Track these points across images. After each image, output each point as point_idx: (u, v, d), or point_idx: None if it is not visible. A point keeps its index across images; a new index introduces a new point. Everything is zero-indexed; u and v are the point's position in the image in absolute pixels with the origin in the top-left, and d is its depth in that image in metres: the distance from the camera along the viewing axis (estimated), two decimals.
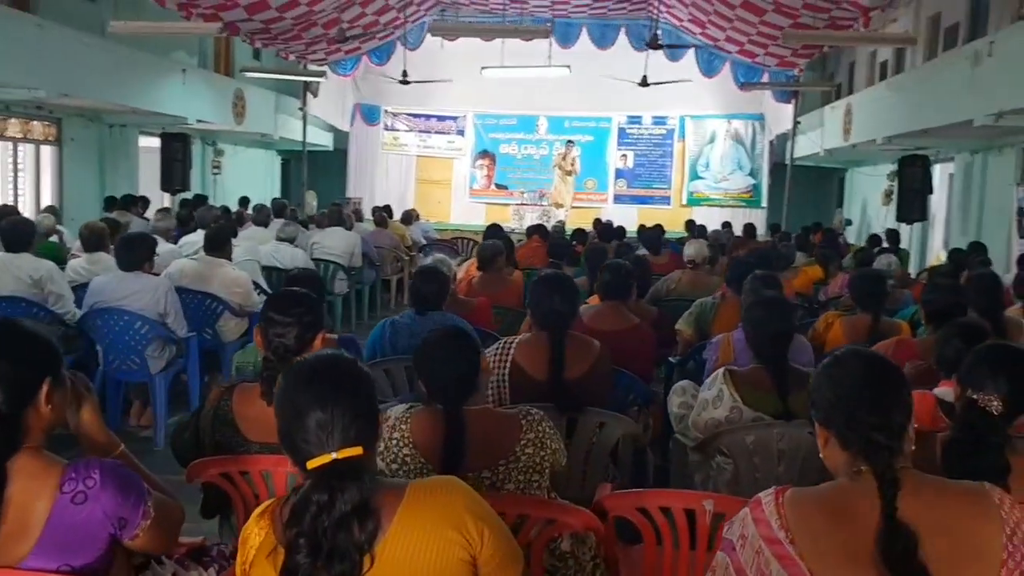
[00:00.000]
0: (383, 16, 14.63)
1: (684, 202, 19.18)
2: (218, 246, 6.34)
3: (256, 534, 1.71)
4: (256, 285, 6.70)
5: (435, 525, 1.67)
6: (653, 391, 4.28)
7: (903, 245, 12.73)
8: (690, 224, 13.52)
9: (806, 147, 16.35)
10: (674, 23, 15.55)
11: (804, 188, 18.76)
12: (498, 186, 19.67)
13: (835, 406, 1.83)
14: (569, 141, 17.61)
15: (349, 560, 1.60)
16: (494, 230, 8.66)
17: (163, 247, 7.16)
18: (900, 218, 12.86)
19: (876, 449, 1.73)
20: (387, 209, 13.03)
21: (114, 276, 5.40)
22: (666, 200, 19.35)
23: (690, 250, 7.07)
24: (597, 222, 12.99)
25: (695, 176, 19.21)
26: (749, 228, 12.44)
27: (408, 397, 3.96)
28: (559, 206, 16.88)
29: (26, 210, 11.44)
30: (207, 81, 14.59)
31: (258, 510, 1.77)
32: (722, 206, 18.95)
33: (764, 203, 18.81)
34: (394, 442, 2.43)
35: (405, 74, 14.52)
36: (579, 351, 3.41)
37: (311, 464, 1.65)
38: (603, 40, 16.28)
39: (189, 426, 2.77)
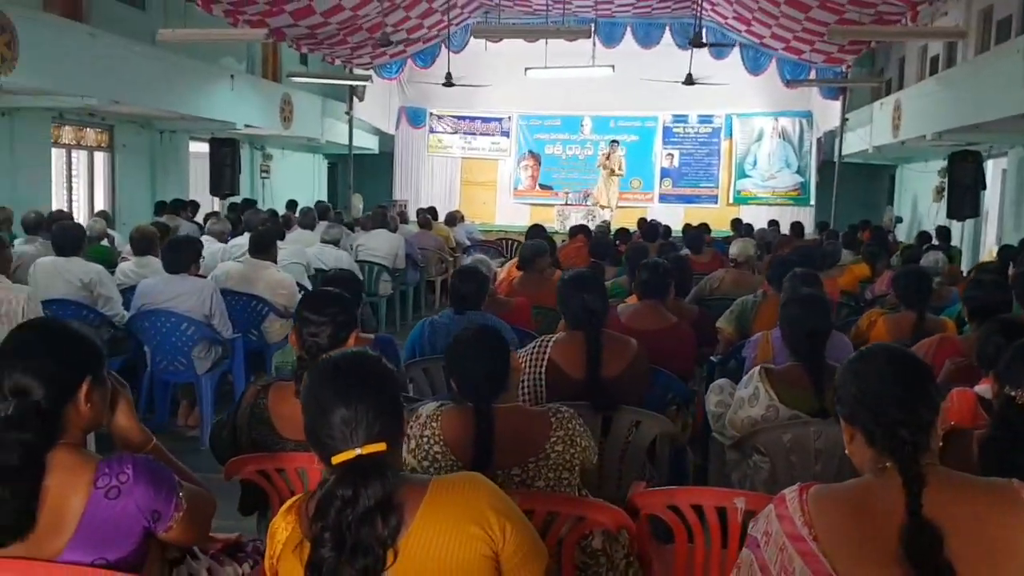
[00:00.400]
0: (427, 19, 14.72)
1: (731, 201, 19.00)
2: (263, 249, 6.43)
3: (283, 528, 1.74)
4: (301, 287, 6.79)
5: (457, 520, 1.69)
6: (693, 390, 4.26)
7: (955, 242, 12.52)
8: (736, 223, 13.39)
9: (855, 144, 16.11)
10: (719, 21, 15.42)
11: (853, 185, 18.51)
12: (542, 187, 19.66)
13: (860, 402, 1.81)
14: (614, 141, 17.51)
15: (372, 554, 1.62)
16: (536, 230, 8.65)
17: (212, 248, 7.31)
18: (951, 215, 12.61)
19: (901, 445, 1.71)
20: (431, 211, 13.11)
21: (161, 278, 5.50)
22: (713, 199, 19.20)
23: (735, 249, 7.01)
24: (642, 221, 12.91)
25: (742, 174, 19.03)
26: (795, 226, 12.28)
27: (446, 396, 4.00)
28: (603, 207, 16.81)
29: (80, 215, 11.74)
30: (255, 86, 14.82)
31: (286, 505, 1.80)
32: (770, 204, 18.73)
33: (812, 201, 18.59)
34: (425, 439, 2.45)
35: (449, 76, 14.58)
36: (615, 350, 3.41)
37: (336, 459, 1.68)
38: (647, 39, 16.20)
39: (227, 424, 2.82)
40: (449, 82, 14.40)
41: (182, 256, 5.42)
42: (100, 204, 12.74)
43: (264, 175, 17.43)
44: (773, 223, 13.94)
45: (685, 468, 4.00)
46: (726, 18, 14.85)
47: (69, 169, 12.28)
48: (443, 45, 16.05)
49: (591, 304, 3.40)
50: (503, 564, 1.73)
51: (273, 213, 11.18)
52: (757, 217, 16.69)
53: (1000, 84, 9.67)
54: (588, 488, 2.66)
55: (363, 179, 20.33)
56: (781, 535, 1.71)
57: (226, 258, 7.32)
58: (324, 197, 19.94)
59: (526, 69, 14.69)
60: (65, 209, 11.75)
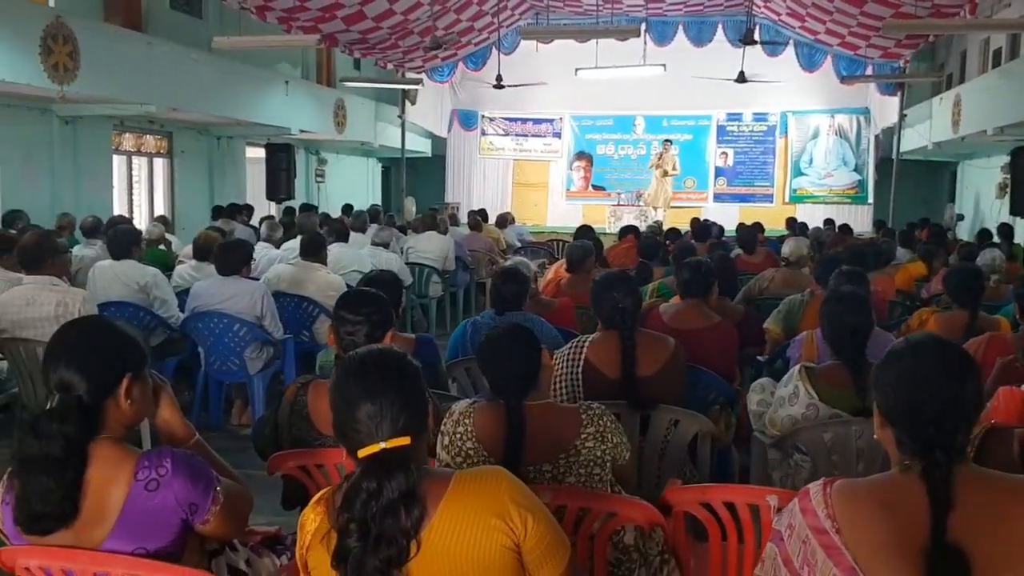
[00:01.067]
0: (478, 22, 14.79)
1: (787, 200, 18.77)
2: (313, 251, 6.54)
3: (312, 519, 1.79)
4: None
5: (479, 512, 1.72)
6: (736, 390, 4.22)
7: (1018, 240, 12.20)
8: (791, 222, 13.24)
9: (914, 141, 15.79)
10: (772, 18, 15.24)
11: (914, 183, 18.17)
12: (595, 187, 19.63)
13: (893, 394, 1.79)
14: (667, 141, 17.43)
15: (396, 545, 1.66)
16: (584, 231, 8.66)
17: (264, 253, 7.46)
18: (1014, 211, 12.31)
19: (928, 446, 1.68)
20: (482, 213, 13.18)
21: (214, 281, 5.63)
22: (768, 198, 18.98)
23: (787, 248, 6.93)
24: (694, 221, 12.84)
25: (798, 173, 18.78)
26: (843, 227, 12.11)
27: (487, 395, 4.03)
28: (656, 207, 16.73)
29: (140, 220, 12.03)
30: (309, 92, 15.05)
31: (316, 497, 1.84)
32: (826, 203, 18.46)
33: (870, 199, 18.27)
34: (458, 436, 2.49)
35: (499, 78, 14.66)
36: (651, 348, 3.41)
37: (361, 453, 1.72)
38: (700, 38, 16.07)
39: (268, 421, 2.88)
40: (499, 84, 14.46)
41: (234, 259, 5.54)
42: (160, 209, 13.05)
43: (319, 179, 17.68)
44: (828, 222, 13.74)
45: (729, 468, 3.98)
46: (779, 15, 14.67)
47: (130, 175, 12.59)
48: (494, 47, 16.14)
49: (622, 303, 3.40)
50: (525, 556, 1.75)
51: (326, 216, 11.33)
52: (813, 216, 16.48)
53: None
54: (627, 486, 2.67)
55: (416, 182, 20.52)
56: (804, 528, 1.71)
57: (280, 261, 7.46)
58: (378, 200, 20.18)
59: (576, 70, 14.67)
60: (126, 214, 12.10)
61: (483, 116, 19.94)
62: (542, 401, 2.52)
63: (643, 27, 14.25)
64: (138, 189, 12.83)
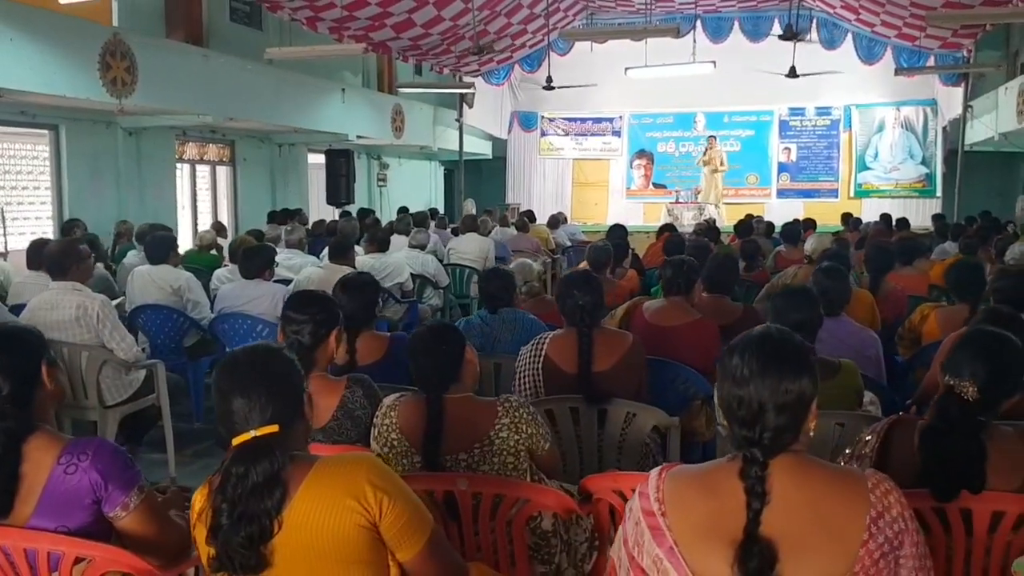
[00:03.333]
0: (530, 24, 14.95)
1: (852, 194, 18.45)
2: (341, 253, 6.77)
3: (199, 500, 1.97)
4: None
5: (334, 494, 1.87)
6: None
7: None
8: (846, 217, 13.03)
9: (981, 132, 15.35)
10: (827, 11, 15.02)
11: (988, 174, 17.64)
12: (656, 185, 19.59)
13: (717, 389, 1.88)
14: (711, 137, 17.35)
15: (258, 523, 1.83)
16: (616, 230, 8.73)
17: (292, 258, 7.74)
18: None
19: (746, 443, 1.77)
20: (528, 214, 13.30)
21: (238, 284, 5.91)
22: (833, 193, 18.67)
23: (808, 244, 6.92)
24: (747, 217, 12.79)
25: (863, 167, 18.44)
26: (903, 220, 11.87)
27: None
28: (708, 203, 16.66)
29: (205, 227, 12.50)
30: (367, 99, 15.41)
31: (206, 480, 2.02)
32: (893, 197, 18.10)
33: (939, 192, 17.80)
34: (385, 427, 2.65)
35: (549, 80, 14.80)
36: (608, 344, 3.51)
37: (235, 441, 1.90)
38: (756, 32, 15.95)
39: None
40: (549, 85, 14.60)
41: (256, 262, 5.81)
42: (223, 216, 13.55)
43: (381, 183, 18.06)
44: (885, 216, 13.47)
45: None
46: (835, 8, 14.46)
47: (193, 183, 13.10)
48: (549, 48, 16.27)
49: (581, 300, 3.51)
50: (383, 534, 1.90)
51: (375, 221, 11.64)
52: (880, 210, 16.10)
53: None
54: (552, 474, 2.79)
55: (478, 184, 20.80)
56: (638, 510, 1.82)
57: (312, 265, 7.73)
58: (440, 203, 20.52)
59: (626, 69, 14.68)
60: (191, 222, 12.62)
61: (543, 117, 20.10)
62: (462, 394, 2.66)
63: (696, 24, 14.26)
64: (201, 197, 13.32)
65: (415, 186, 19.60)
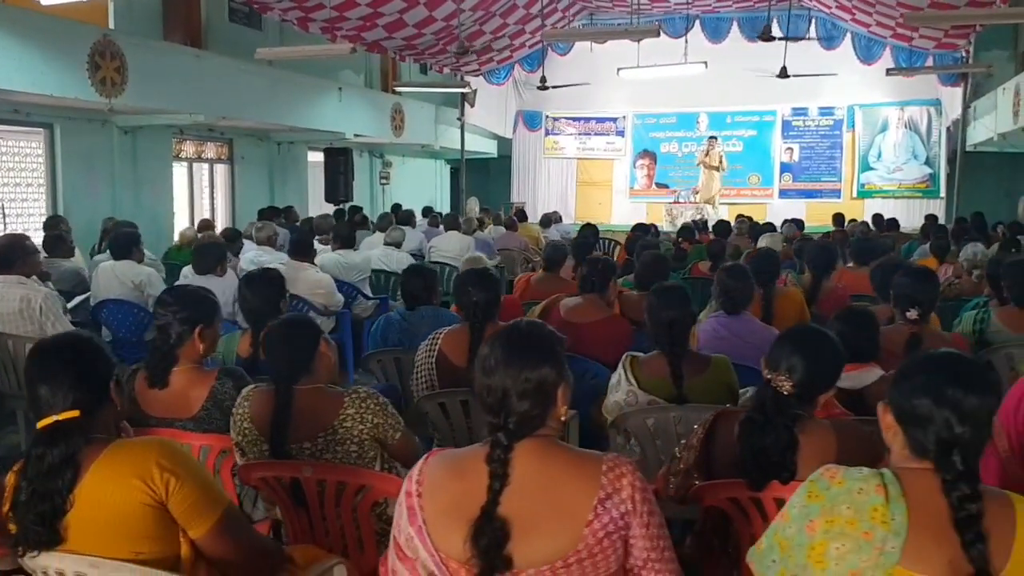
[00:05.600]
0: (528, 25, 15.03)
1: (855, 195, 18.36)
2: (302, 251, 6.90)
3: (10, 479, 2.10)
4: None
5: (121, 475, 2.00)
6: None
7: None
8: (836, 217, 13.01)
9: (982, 132, 15.25)
10: (824, 11, 14.99)
11: (994, 175, 17.52)
12: (659, 185, 19.59)
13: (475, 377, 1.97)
14: (711, 137, 17.35)
15: (50, 502, 1.96)
16: (587, 229, 8.82)
17: (262, 255, 7.88)
18: None
19: (491, 427, 1.87)
20: (518, 213, 13.39)
21: (191, 279, 6.05)
22: (836, 193, 18.58)
23: (762, 243, 6.97)
24: (737, 217, 12.86)
25: (866, 167, 18.34)
26: (875, 218, 11.90)
27: (386, 386, 4.31)
28: (708, 203, 16.67)
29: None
30: (365, 98, 15.57)
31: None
32: (896, 197, 18.02)
33: (942, 193, 17.67)
34: (239, 416, 2.78)
35: (544, 80, 14.89)
36: None
37: (40, 425, 2.03)
38: (754, 33, 15.89)
39: None
40: (544, 85, 14.70)
41: (207, 258, 5.96)
42: (221, 214, 13.77)
43: (383, 182, 18.23)
44: (875, 216, 13.44)
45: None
46: (831, 8, 14.42)
47: (191, 181, 13.32)
48: (550, 48, 16.37)
49: (476, 297, 3.62)
50: (172, 512, 2.03)
51: (365, 217, 11.79)
52: (883, 210, 16.04)
53: None
54: (408, 463, 2.89)
55: (484, 183, 20.93)
56: (402, 492, 1.92)
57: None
58: (446, 202, 20.67)
59: (618, 69, 14.74)
60: (187, 220, 12.82)
61: (547, 116, 20.17)
62: (312, 386, 2.77)
63: (694, 24, 14.25)
64: (199, 195, 13.53)
65: (419, 185, 19.75)
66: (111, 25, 11.20)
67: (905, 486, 1.72)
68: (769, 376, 2.47)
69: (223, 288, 5.97)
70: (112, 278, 6.39)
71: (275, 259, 7.86)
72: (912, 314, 3.72)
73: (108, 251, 7.83)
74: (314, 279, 6.85)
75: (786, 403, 2.43)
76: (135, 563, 2.00)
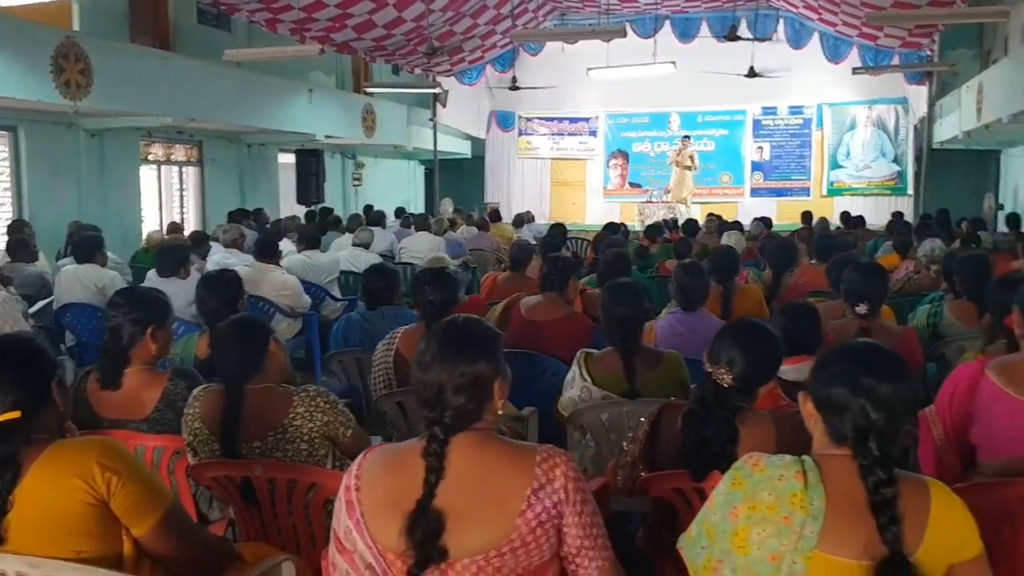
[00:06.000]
0: (498, 25, 15.05)
1: (824, 193, 18.54)
2: (268, 252, 6.90)
3: None
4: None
5: (62, 475, 2.01)
6: None
7: None
8: (805, 216, 13.11)
9: (948, 130, 15.45)
10: (792, 10, 15.13)
11: (962, 173, 17.74)
12: (632, 184, 19.68)
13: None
14: (685, 137, 17.47)
15: None
16: (557, 229, 8.87)
17: (229, 258, 7.87)
18: None
19: (427, 421, 1.91)
20: (492, 213, 13.42)
21: (154, 282, 6.03)
22: (806, 191, 18.76)
23: (726, 241, 7.03)
24: (708, 216, 12.98)
25: (835, 165, 18.52)
26: (860, 217, 12.01)
27: (347, 386, 4.33)
28: (679, 202, 16.78)
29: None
30: (336, 99, 15.54)
31: None
32: (865, 195, 18.22)
33: (910, 190, 17.88)
34: (190, 416, 2.79)
35: (514, 80, 14.93)
36: None
37: None
38: (723, 32, 16.03)
39: None
40: (514, 86, 14.75)
41: (170, 260, 5.94)
42: (191, 217, 13.70)
43: (356, 183, 18.20)
44: (842, 214, 13.57)
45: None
46: (797, 7, 14.56)
47: (160, 184, 13.24)
48: (521, 49, 16.42)
49: (431, 296, 3.65)
50: (115, 511, 2.04)
51: (337, 218, 11.78)
52: (852, 208, 16.21)
53: None
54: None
55: (459, 183, 20.92)
56: (342, 486, 1.95)
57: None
58: (420, 202, 20.65)
59: (588, 69, 14.81)
60: (156, 223, 12.74)
61: (520, 116, 20.21)
62: (262, 385, 2.79)
63: (664, 24, 14.34)
64: (168, 198, 13.45)
65: (392, 186, 19.72)
66: (75, 27, 11.13)
67: (824, 472, 1.77)
68: (710, 369, 2.52)
69: (187, 290, 5.95)
70: (75, 282, 6.37)
71: (242, 261, 7.84)
72: (861, 308, 3.79)
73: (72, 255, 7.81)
74: (280, 280, 6.85)
75: (726, 395, 2.47)
76: (77, 562, 2.01)
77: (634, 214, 17.71)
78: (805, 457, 1.83)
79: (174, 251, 6.10)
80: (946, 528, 1.73)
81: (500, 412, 1.97)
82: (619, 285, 3.54)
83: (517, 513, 1.81)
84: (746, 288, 5.29)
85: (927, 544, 1.71)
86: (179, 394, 2.98)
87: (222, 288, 3.85)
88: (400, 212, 14.01)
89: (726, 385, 2.47)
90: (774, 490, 1.76)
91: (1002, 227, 14.14)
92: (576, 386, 3.39)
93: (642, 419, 2.71)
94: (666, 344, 4.05)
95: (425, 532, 1.79)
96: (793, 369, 3.16)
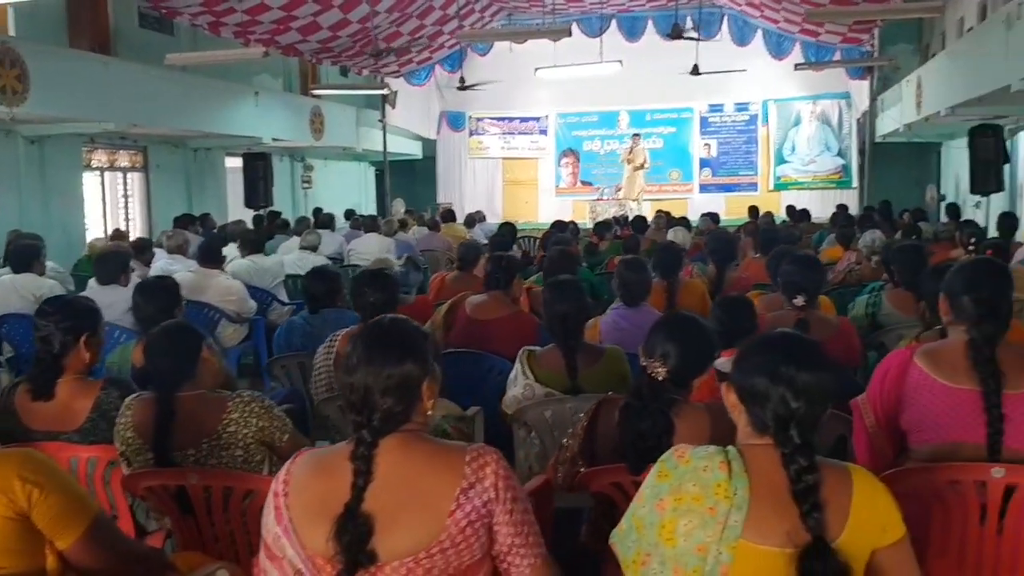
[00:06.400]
0: (446, 26, 15.02)
1: (771, 187, 18.80)
2: (211, 258, 6.81)
3: None
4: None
5: None
6: None
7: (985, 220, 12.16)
8: (752, 211, 13.28)
9: (890, 124, 15.74)
10: (734, 8, 15.31)
11: (905, 165, 18.07)
12: (583, 183, 19.80)
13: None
14: (635, 135, 17.62)
15: None
16: (506, 228, 8.88)
17: (173, 264, 7.76)
18: (974, 190, 12.23)
19: (355, 424, 1.89)
20: (445, 214, 13.38)
21: (93, 290, 5.91)
22: (753, 187, 19.02)
23: (671, 237, 7.09)
24: (656, 213, 13.09)
25: (781, 160, 18.81)
26: (804, 211, 12.19)
27: (290, 391, 4.29)
28: (631, 200, 16.89)
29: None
30: (283, 101, 15.39)
31: None
32: (811, 189, 18.52)
33: (855, 183, 18.19)
34: (121, 426, 2.74)
35: (463, 80, 14.92)
36: None
37: None
38: (668, 31, 16.16)
39: None
40: (463, 86, 14.73)
41: (109, 268, 5.83)
42: (137, 223, 13.47)
43: (306, 185, 18.05)
44: (788, 207, 13.74)
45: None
46: (740, 5, 14.73)
47: (104, 191, 13.00)
48: (470, 49, 16.39)
49: (371, 297, 3.63)
50: (37, 523, 1.99)
51: (285, 222, 11.68)
52: (799, 202, 16.44)
53: (988, 56, 9.42)
54: None
55: (411, 184, 20.83)
56: (271, 492, 1.92)
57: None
58: (372, 204, 20.52)
59: (535, 69, 14.84)
60: (100, 231, 12.51)
61: (470, 116, 20.21)
62: (195, 392, 2.75)
63: (611, 23, 14.41)
64: (112, 205, 13.21)
65: (343, 188, 19.59)
66: (11, 32, 10.89)
67: (748, 461, 1.79)
68: (645, 363, 2.53)
69: (126, 298, 5.81)
70: (12, 292, 6.23)
71: (186, 267, 7.74)
72: (799, 300, 3.84)
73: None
74: (224, 286, 6.76)
75: (661, 388, 2.49)
76: None
77: (586, 212, 17.80)
78: (729, 447, 1.84)
79: (113, 258, 5.98)
80: (868, 513, 1.76)
81: (430, 412, 1.96)
82: (560, 283, 3.54)
83: (446, 513, 1.80)
84: (690, 283, 5.33)
85: (849, 530, 1.73)
86: (112, 403, 2.93)
87: (158, 295, 3.79)
88: (350, 214, 13.93)
89: (661, 378, 2.49)
90: (699, 481, 1.77)
91: (945, 217, 14.47)
92: (519, 384, 3.39)
93: (580, 414, 2.71)
94: (610, 340, 4.07)
95: (353, 536, 1.77)
96: (729, 361, 3.19)
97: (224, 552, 2.69)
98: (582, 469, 2.62)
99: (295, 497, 1.87)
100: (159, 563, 2.31)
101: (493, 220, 16.56)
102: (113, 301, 5.80)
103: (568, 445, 2.69)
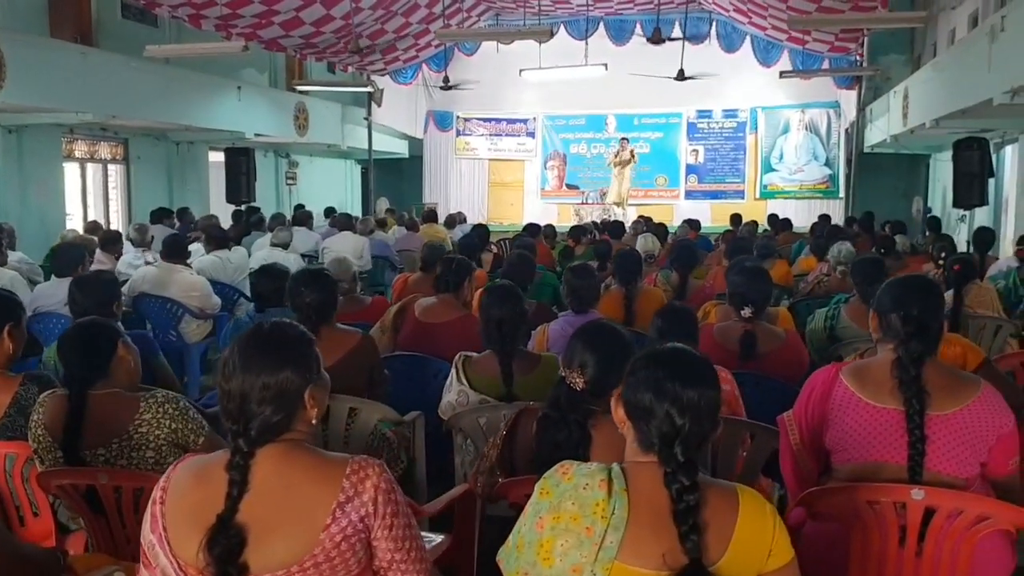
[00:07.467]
0: (432, 24, 14.94)
1: (758, 196, 18.75)
2: (176, 253, 6.75)
3: None
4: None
5: None
6: None
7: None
8: (734, 219, 13.25)
9: (878, 134, 15.73)
10: (723, 14, 15.28)
11: (893, 176, 18.08)
12: (569, 186, 19.73)
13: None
14: (623, 138, 17.57)
15: None
16: (478, 230, 8.83)
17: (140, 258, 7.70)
18: (957, 204, 12.17)
19: (232, 434, 1.83)
20: (428, 214, 13.31)
21: (53, 282, 5.88)
22: (740, 194, 18.96)
23: (639, 243, 7.05)
24: (638, 218, 13.06)
25: (768, 168, 18.76)
26: (787, 220, 12.17)
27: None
28: (616, 203, 16.86)
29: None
30: (267, 96, 15.29)
31: None
32: (798, 198, 18.48)
33: (842, 193, 18.16)
34: (34, 424, 2.68)
35: (447, 80, 14.87)
36: (332, 342, 3.55)
37: None
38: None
39: None
40: (447, 85, 14.68)
41: (67, 261, 5.78)
42: (117, 216, 13.38)
43: (290, 182, 17.96)
44: (770, 216, 13.72)
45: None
46: (728, 11, 14.70)
47: (84, 182, 12.91)
48: (456, 49, 16.33)
49: (308, 298, 3.57)
50: None
51: (260, 218, 11.60)
52: (785, 211, 16.42)
53: (972, 68, 9.40)
54: None
55: (397, 183, 20.78)
56: (150, 500, 1.86)
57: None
58: (357, 202, 20.45)
59: (520, 71, 14.80)
60: (80, 222, 12.42)
61: (458, 116, 20.13)
62: (108, 391, 2.69)
63: (598, 26, 14.35)
64: (92, 197, 13.12)
65: (328, 185, 19.50)
66: None
67: (630, 480, 1.74)
68: (563, 373, 2.48)
69: None
70: None
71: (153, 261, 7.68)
72: (746, 312, 3.79)
73: None
74: (188, 281, 6.71)
75: (579, 399, 2.44)
76: None
77: (571, 215, 17.77)
78: (614, 465, 1.79)
79: (70, 251, 5.93)
80: (753, 536, 1.71)
81: (314, 421, 1.90)
82: (497, 288, 3.49)
83: (321, 527, 1.75)
84: (649, 290, 5.29)
85: (731, 553, 1.68)
86: (31, 399, 2.87)
87: (96, 289, 3.72)
88: (329, 212, 13.85)
89: (579, 388, 2.43)
90: (578, 499, 1.72)
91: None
92: (454, 390, 3.34)
93: (500, 424, 2.66)
94: (557, 346, 4.02)
95: (224, 548, 1.72)
96: None
97: (137, 554, 2.62)
98: (500, 479, 2.56)
99: (172, 504, 1.81)
100: (52, 565, 2.25)
101: (480, 221, 16.51)
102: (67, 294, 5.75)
103: (487, 455, 2.64)
